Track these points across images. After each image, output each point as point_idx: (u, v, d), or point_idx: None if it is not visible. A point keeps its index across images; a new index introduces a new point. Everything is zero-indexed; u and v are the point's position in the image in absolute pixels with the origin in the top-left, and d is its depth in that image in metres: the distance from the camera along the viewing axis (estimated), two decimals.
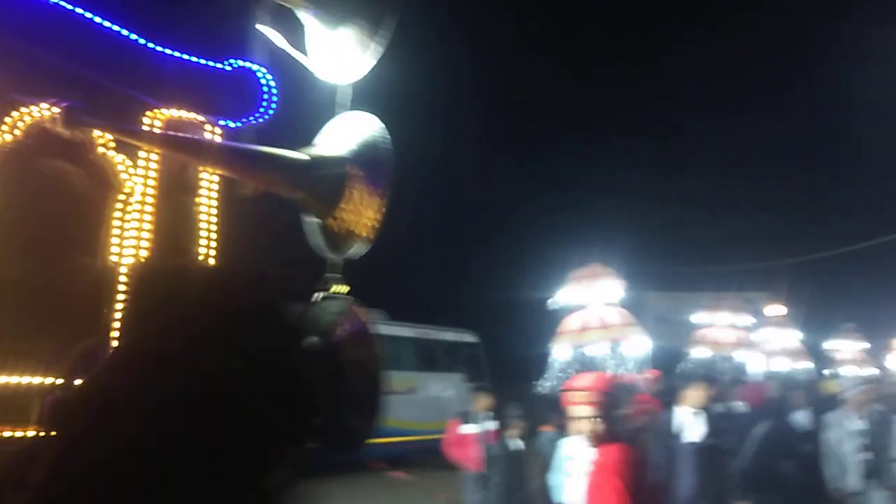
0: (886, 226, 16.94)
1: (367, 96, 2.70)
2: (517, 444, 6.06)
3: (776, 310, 14.44)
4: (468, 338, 16.26)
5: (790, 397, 8.58)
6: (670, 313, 17.78)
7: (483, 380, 16.19)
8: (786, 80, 37.04)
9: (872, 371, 14.19)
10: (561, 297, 8.88)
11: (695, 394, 5.41)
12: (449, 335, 15.85)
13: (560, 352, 8.85)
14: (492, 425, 6.63)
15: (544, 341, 9.93)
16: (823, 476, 6.61)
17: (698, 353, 12.41)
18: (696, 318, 13.60)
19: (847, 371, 13.93)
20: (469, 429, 6.81)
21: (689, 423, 5.34)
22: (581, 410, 3.33)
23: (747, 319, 13.35)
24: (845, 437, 6.54)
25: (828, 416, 7.50)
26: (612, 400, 3.37)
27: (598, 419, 3.28)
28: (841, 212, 24.82)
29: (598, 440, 3.26)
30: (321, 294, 2.32)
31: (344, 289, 2.21)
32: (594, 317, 8.42)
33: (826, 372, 14.63)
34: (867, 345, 15.31)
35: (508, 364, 17.91)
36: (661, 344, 10.80)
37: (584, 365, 9.18)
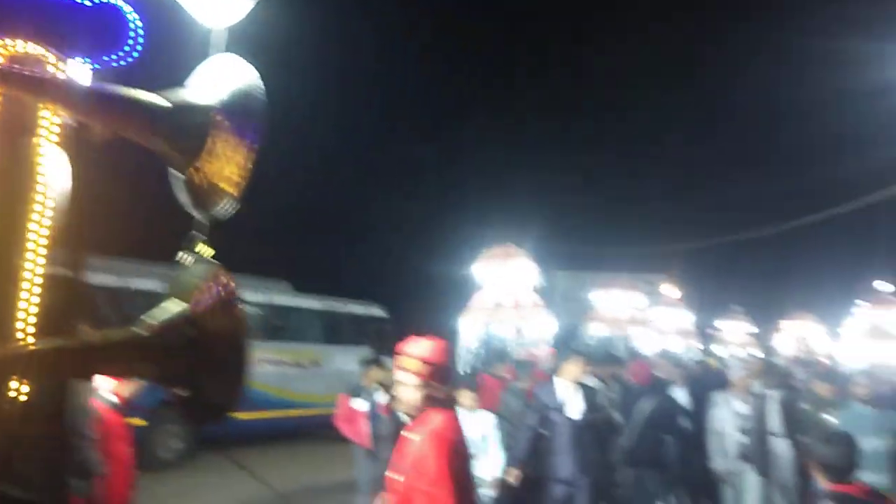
0: (777, 216, 17.94)
1: (255, 44, 2.49)
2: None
3: (671, 291, 15.06)
4: (376, 311, 16.10)
5: (673, 375, 8.96)
6: (575, 292, 18.21)
7: (391, 354, 16.19)
8: (688, 73, 38.52)
9: (758, 353, 15.10)
10: (476, 274, 8.98)
11: (571, 367, 5.49)
12: (356, 308, 15.64)
13: (469, 327, 8.92)
14: (383, 399, 6.54)
15: (454, 317, 9.99)
16: (703, 454, 6.84)
17: (595, 330, 12.89)
18: (595, 296, 14.06)
19: (735, 352, 14.76)
20: (360, 403, 6.69)
21: (568, 398, 5.43)
22: (405, 377, 3.16)
23: (643, 299, 13.89)
24: (728, 417, 6.71)
25: (714, 395, 7.81)
26: (440, 370, 3.20)
27: (423, 387, 3.12)
28: (736, 201, 26.17)
29: (420, 409, 3.14)
30: (187, 256, 2.13)
31: (208, 251, 2.03)
32: (507, 296, 8.57)
33: (714, 352, 15.45)
34: (754, 328, 16.30)
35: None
36: (566, 321, 11.10)
37: (489, 342, 9.30)
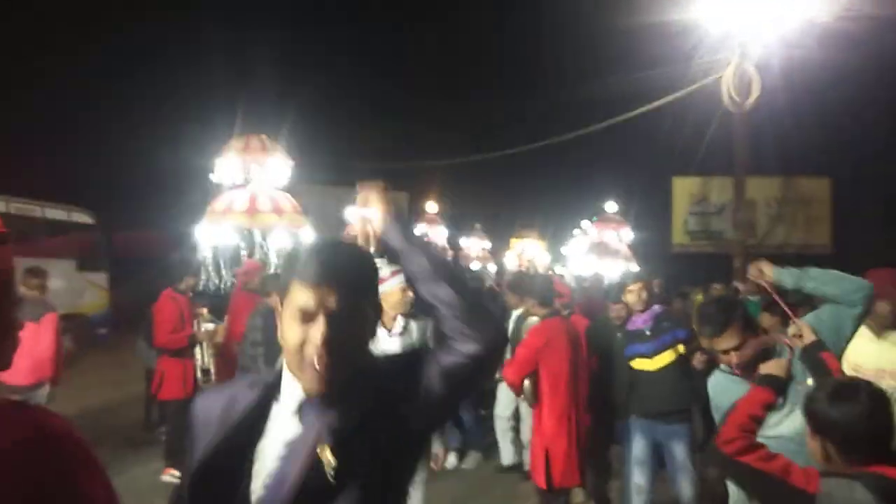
0: (516, 138, 18.74)
1: None
2: None
3: (431, 207, 14.91)
4: (82, 217, 13.41)
5: None
6: (325, 206, 17.17)
7: (101, 268, 13.70)
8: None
9: (493, 266, 15.89)
10: (221, 170, 7.34)
11: None
12: (55, 213, 12.82)
13: (210, 235, 7.42)
14: None
15: (187, 223, 8.32)
16: None
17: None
18: (348, 212, 13.35)
19: (474, 266, 15.29)
20: None
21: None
22: None
23: None
24: None
25: None
26: None
27: None
28: (482, 123, 27.14)
29: None
30: None
31: None
32: (265, 199, 7.15)
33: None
34: (489, 243, 17.06)
35: (138, 249, 15.34)
36: (319, 235, 10.08)
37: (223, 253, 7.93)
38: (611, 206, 12.20)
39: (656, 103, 15.28)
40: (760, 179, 17.01)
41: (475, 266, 15.04)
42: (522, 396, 4.55)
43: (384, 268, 3.32)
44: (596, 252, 12.42)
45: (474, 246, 16.04)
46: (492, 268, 15.58)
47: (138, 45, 25.04)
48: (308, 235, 8.01)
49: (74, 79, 20.59)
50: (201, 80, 23.32)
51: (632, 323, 4.61)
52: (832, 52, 13.31)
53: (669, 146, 17.83)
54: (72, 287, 12.66)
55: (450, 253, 14.35)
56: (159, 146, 16.88)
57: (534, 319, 4.80)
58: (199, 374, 6.14)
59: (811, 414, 1.99)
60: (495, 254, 16.99)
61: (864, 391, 1.94)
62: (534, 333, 4.37)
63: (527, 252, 17.89)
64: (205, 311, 6.42)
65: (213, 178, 7.45)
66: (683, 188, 19.06)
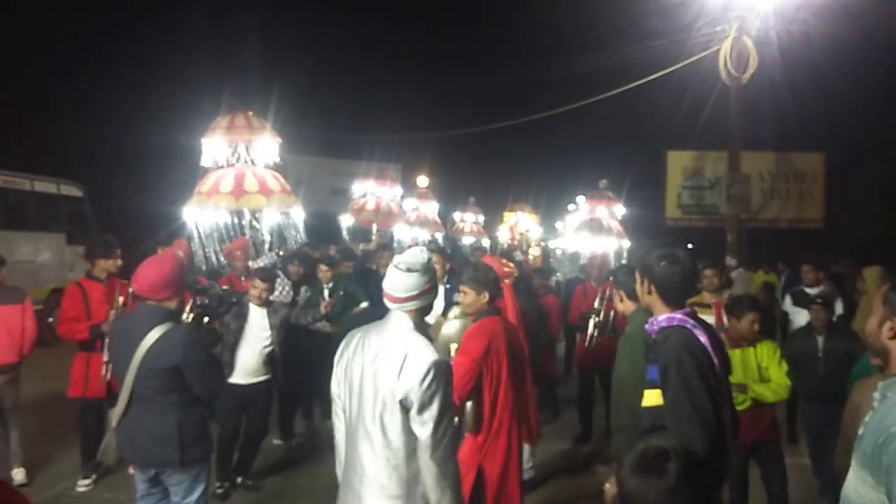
0: (509, 112, 18.56)
1: None
2: None
3: (422, 181, 14.78)
4: (71, 190, 13.25)
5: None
6: (311, 177, 17.00)
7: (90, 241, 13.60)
8: None
9: (486, 240, 15.87)
10: (207, 150, 7.19)
11: None
12: (44, 186, 12.66)
13: (197, 216, 7.32)
14: None
15: (174, 198, 8.23)
16: None
17: (345, 221, 12.21)
18: (350, 187, 13.36)
19: (467, 240, 15.27)
20: None
21: None
22: None
23: (398, 190, 13.46)
24: None
25: None
26: None
27: None
28: (477, 96, 26.83)
29: None
30: None
31: None
32: (251, 179, 7.01)
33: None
34: (483, 217, 17.04)
35: (129, 224, 15.16)
36: (314, 210, 10.01)
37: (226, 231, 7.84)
38: (604, 183, 12.15)
39: (654, 76, 15.11)
40: (755, 154, 16.93)
41: (468, 240, 15.00)
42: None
43: None
44: (588, 228, 12.38)
45: (468, 220, 16.00)
46: (485, 242, 15.55)
47: (126, 20, 24.60)
48: (298, 213, 7.93)
49: (63, 54, 20.23)
50: (190, 53, 22.92)
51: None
52: (830, 27, 13.17)
53: (666, 121, 17.74)
54: (61, 260, 12.57)
55: (440, 226, 14.27)
56: (150, 120, 16.67)
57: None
58: (104, 372, 4.93)
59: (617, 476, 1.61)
60: (488, 227, 16.97)
61: (672, 461, 1.51)
62: (477, 336, 3.40)
63: (520, 225, 17.90)
64: (122, 299, 5.14)
65: (201, 159, 7.34)
66: (677, 162, 18.96)
